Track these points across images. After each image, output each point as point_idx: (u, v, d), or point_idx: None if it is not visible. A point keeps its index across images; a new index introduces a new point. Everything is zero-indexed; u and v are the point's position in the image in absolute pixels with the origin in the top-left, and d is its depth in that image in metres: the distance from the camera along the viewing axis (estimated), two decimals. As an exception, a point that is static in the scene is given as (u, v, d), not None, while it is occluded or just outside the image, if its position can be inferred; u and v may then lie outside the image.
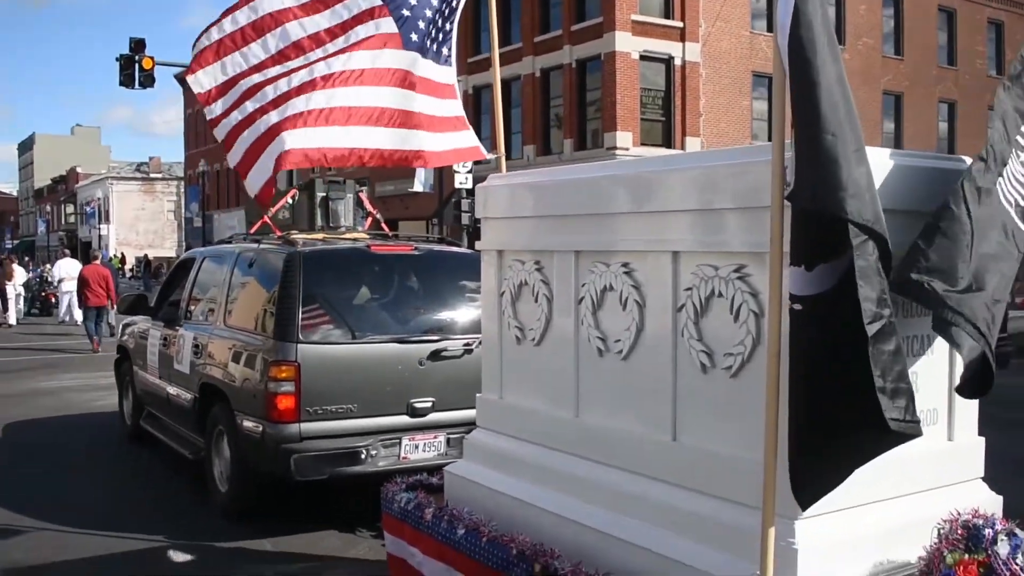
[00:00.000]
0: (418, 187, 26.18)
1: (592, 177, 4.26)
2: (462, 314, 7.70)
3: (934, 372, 3.73)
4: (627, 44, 31.04)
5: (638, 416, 3.95)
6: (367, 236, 8.78)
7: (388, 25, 5.17)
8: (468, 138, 5.08)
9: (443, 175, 24.72)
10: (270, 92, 5.17)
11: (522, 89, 34.80)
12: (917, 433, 2.93)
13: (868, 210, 2.94)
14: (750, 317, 3.45)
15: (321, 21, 5.21)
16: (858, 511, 3.46)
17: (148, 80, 23.54)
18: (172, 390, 8.80)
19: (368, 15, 5.19)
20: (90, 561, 6.59)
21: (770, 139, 3.26)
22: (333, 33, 5.22)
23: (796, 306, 3.07)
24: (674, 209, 3.75)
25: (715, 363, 3.61)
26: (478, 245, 4.98)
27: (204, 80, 5.49)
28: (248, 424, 7.13)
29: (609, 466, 4.09)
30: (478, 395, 5.03)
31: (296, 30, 5.27)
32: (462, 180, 27.03)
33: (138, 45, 23.32)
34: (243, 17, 5.37)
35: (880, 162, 3.33)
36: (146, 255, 56.47)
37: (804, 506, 3.12)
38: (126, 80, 23.12)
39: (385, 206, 39.47)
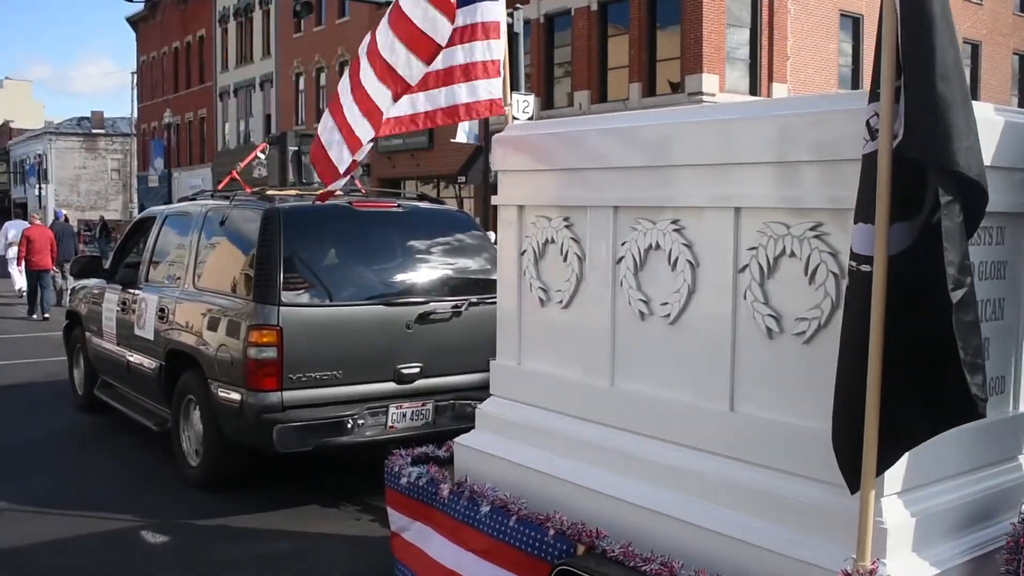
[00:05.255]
0: (462, 137, 23.82)
1: (637, 126, 3.89)
2: (450, 275, 7.33)
3: (1003, 339, 3.48)
4: (711, -31, 25.60)
5: (688, 384, 3.63)
6: (341, 193, 8.33)
7: None
8: (495, 88, 4.61)
9: (486, 124, 21.37)
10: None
11: (573, 23, 29.22)
12: (983, 413, 2.76)
13: (977, 165, 2.69)
14: (828, 278, 3.15)
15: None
16: (940, 485, 3.22)
17: None
18: (133, 358, 8.29)
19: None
20: (54, 544, 6.10)
21: (854, 88, 2.95)
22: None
23: (864, 267, 2.80)
24: (738, 162, 3.41)
25: (783, 328, 3.30)
26: (494, 200, 4.59)
27: None
28: (224, 393, 6.68)
29: (650, 437, 3.77)
30: (492, 361, 4.67)
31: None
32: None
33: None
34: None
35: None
36: (102, 216, 53.27)
37: (853, 489, 2.89)
38: None
39: (391, 163, 35.99)
